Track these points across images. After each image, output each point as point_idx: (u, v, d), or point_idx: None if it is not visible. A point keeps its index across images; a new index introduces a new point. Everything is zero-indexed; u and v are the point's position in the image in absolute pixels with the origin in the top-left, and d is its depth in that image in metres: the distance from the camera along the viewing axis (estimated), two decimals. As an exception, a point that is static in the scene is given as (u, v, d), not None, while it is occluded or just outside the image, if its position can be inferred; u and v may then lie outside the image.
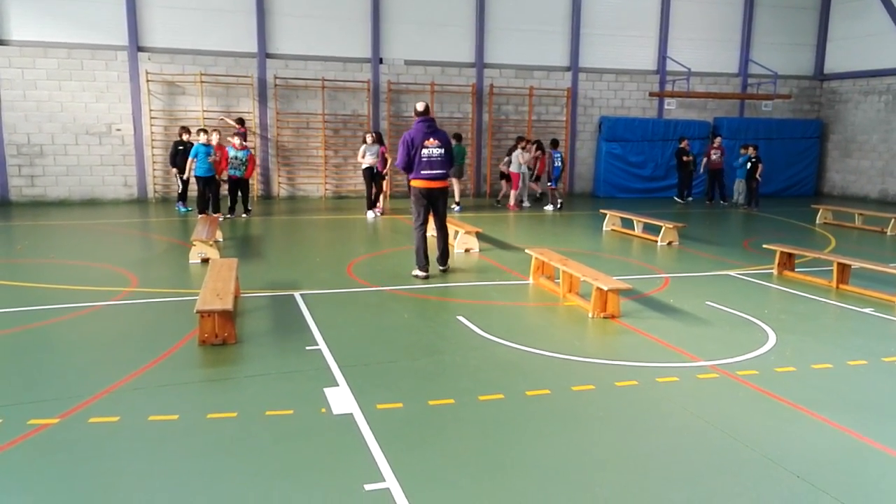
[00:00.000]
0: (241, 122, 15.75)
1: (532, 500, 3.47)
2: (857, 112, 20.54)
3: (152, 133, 16.50)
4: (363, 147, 14.45)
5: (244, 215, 13.80)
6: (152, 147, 16.53)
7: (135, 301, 7.25)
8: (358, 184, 17.89)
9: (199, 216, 12.66)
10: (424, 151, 8.25)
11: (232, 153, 13.41)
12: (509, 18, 18.59)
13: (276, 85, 17.13)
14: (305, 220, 14.04)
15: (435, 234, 8.90)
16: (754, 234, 13.15)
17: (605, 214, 13.31)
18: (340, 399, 4.65)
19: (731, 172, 18.04)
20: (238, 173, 13.48)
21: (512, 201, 16.16)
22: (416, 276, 8.52)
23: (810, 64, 21.44)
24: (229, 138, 13.97)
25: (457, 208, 15.40)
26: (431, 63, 18.23)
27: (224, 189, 13.94)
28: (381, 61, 17.86)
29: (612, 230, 12.98)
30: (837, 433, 4.31)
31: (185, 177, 13.76)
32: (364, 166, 14.42)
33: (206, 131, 13.42)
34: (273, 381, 4.99)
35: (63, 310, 6.79)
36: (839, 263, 8.34)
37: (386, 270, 9.12)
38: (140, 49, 16.14)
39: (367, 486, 3.54)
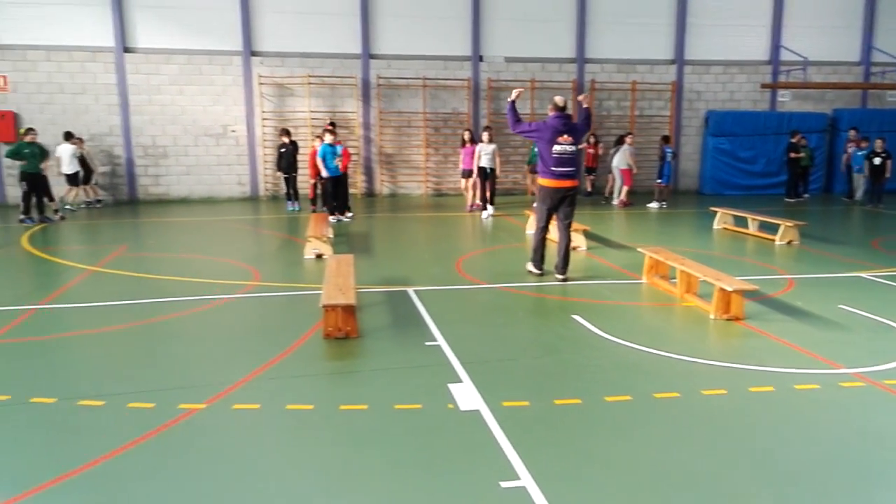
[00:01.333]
0: (332, 125, 15.99)
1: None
2: None
3: (263, 134, 17.24)
4: (479, 147, 14.36)
5: (349, 214, 13.85)
6: (263, 147, 17.27)
7: (260, 294, 7.60)
8: (458, 181, 18.03)
9: (312, 214, 13.16)
10: (556, 148, 7.87)
11: (329, 150, 13.22)
12: (611, 11, 18.20)
13: (378, 85, 17.50)
14: (408, 218, 14.28)
15: (556, 237, 8.46)
16: (883, 233, 12.30)
17: (716, 212, 12.79)
18: (466, 395, 4.69)
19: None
20: (335, 172, 13.21)
21: (623, 198, 15.93)
22: (530, 272, 8.43)
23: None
24: (326, 137, 13.55)
25: (484, 213, 15.28)
26: (531, 59, 18.11)
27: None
28: (481, 59, 17.91)
29: (724, 228, 12.46)
30: None
31: (322, 176, 13.48)
32: (480, 165, 14.30)
33: (332, 132, 13.43)
34: (398, 376, 5.10)
35: (199, 301, 7.21)
36: None
37: (495, 268, 9.14)
38: (253, 53, 16.89)
39: (503, 484, 3.55)
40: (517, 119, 8.13)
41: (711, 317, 6.60)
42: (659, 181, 15.98)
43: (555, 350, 5.76)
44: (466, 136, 15.02)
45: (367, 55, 17.37)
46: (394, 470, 3.74)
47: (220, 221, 13.57)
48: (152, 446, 4.01)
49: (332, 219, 12.79)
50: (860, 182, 16.05)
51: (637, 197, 16.72)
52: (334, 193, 13.39)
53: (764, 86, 18.80)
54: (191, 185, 17.21)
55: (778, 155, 18.40)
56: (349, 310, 5.90)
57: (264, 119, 17.19)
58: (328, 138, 13.20)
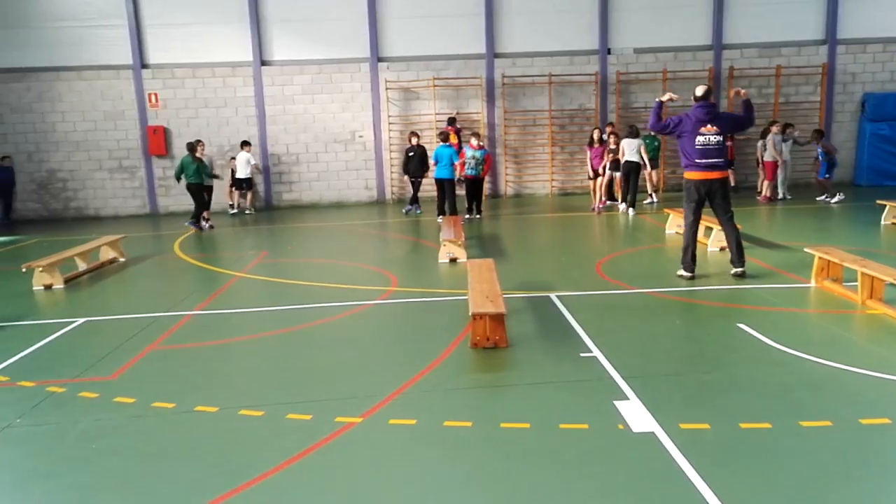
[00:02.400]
0: (452, 121, 15.91)
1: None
2: None
3: (390, 138, 17.44)
4: (624, 142, 13.85)
5: (477, 216, 13.83)
6: (389, 151, 17.48)
7: (399, 300, 7.52)
8: (585, 180, 17.43)
9: (440, 217, 13.10)
10: (700, 139, 7.53)
11: (469, 153, 13.41)
12: (752, -9, 16.93)
13: (503, 84, 17.23)
14: (538, 219, 13.91)
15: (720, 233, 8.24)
16: None
17: (884, 205, 11.48)
18: (636, 415, 4.29)
19: None
20: (474, 173, 13.48)
21: (767, 192, 14.75)
22: (681, 277, 7.92)
23: None
24: (472, 139, 13.76)
25: (647, 201, 14.83)
26: (663, 49, 17.18)
27: (461, 189, 14.19)
28: (608, 52, 17.21)
29: (893, 223, 11.17)
30: None
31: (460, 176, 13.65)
32: (626, 158, 13.82)
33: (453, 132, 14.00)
34: (557, 391, 4.78)
35: (342, 307, 7.23)
36: None
37: (638, 271, 8.61)
38: (380, 59, 17.13)
39: (700, 523, 3.14)
40: (659, 118, 7.78)
41: (906, 327, 5.79)
42: (826, 176, 14.45)
43: (726, 364, 5.22)
44: (596, 134, 14.52)
45: (492, 54, 17.15)
46: (571, 499, 3.42)
47: (350, 226, 13.81)
48: (315, 462, 3.92)
49: (438, 219, 13.22)
50: None
51: (798, 191, 15.47)
52: (446, 197, 13.34)
53: (933, 63, 16.82)
54: (321, 191, 17.70)
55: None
56: (498, 318, 5.64)
57: (390, 123, 17.39)
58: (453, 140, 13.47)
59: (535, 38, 17.17)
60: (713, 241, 9.66)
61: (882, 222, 11.28)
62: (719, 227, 9.60)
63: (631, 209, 13.63)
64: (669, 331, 6.13)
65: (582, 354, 5.47)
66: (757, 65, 17.18)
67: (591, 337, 5.87)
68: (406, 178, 15.40)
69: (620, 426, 4.17)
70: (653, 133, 7.94)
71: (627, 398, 4.56)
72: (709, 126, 7.53)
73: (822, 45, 17.12)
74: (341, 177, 17.70)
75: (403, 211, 15.11)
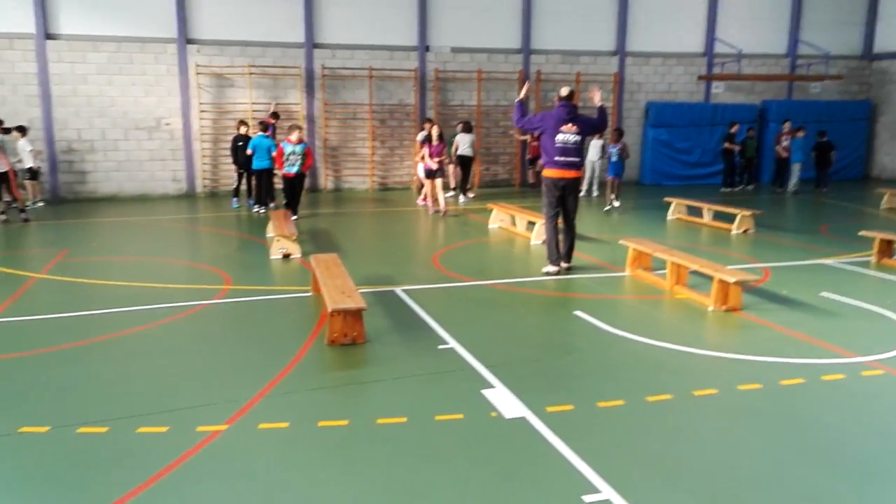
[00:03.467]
0: (276, 116, 15.31)
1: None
2: (909, 92, 20.08)
3: (201, 127, 16.34)
4: (457, 137, 14.45)
5: (294, 217, 12.48)
6: (201, 141, 16.39)
7: (238, 300, 7.10)
8: (404, 176, 17.76)
9: (259, 209, 12.78)
10: (560, 137, 7.82)
11: (289, 148, 12.18)
12: (555, 3, 18.25)
13: (323, 75, 16.91)
14: (364, 213, 13.87)
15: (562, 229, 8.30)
16: (825, 220, 12.85)
17: (670, 202, 13.02)
18: (505, 402, 4.47)
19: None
20: (295, 170, 12.27)
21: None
22: (548, 273, 8.08)
23: (859, 43, 20.96)
24: (291, 133, 12.39)
25: (462, 199, 15.34)
26: (478, 50, 17.93)
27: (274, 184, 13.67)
28: (427, 49, 17.60)
29: (678, 219, 12.71)
30: None
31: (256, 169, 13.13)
32: (460, 153, 14.58)
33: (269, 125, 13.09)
34: (425, 384, 4.83)
35: (173, 309, 6.65)
36: (950, 250, 8.07)
37: (474, 264, 8.94)
38: (189, 41, 15.96)
39: (586, 498, 3.37)
40: (523, 114, 8.10)
41: (710, 308, 6.64)
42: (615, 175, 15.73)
43: (573, 348, 5.62)
44: (435, 131, 13.12)
45: (311, 44, 16.75)
46: (463, 487, 3.48)
47: (163, 221, 12.75)
48: (185, 476, 3.59)
49: (255, 209, 13.26)
50: (797, 171, 16.68)
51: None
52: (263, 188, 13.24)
53: (700, 77, 19.37)
54: (121, 182, 16.11)
55: (712, 146, 19.01)
56: (357, 314, 5.56)
57: (202, 111, 16.30)
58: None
59: (355, 30, 17.05)
60: (536, 234, 10.31)
61: (668, 217, 12.78)
62: (543, 221, 10.30)
63: (462, 196, 14.70)
64: (516, 320, 6.45)
65: (440, 347, 5.57)
66: (561, 70, 18.58)
67: (444, 329, 5.99)
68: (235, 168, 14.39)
69: (493, 414, 4.32)
70: (516, 128, 8.31)
71: (493, 386, 4.73)
72: (569, 125, 7.85)
73: (614, 56, 18.96)
74: (145, 167, 16.25)
75: (235, 205, 14.18)
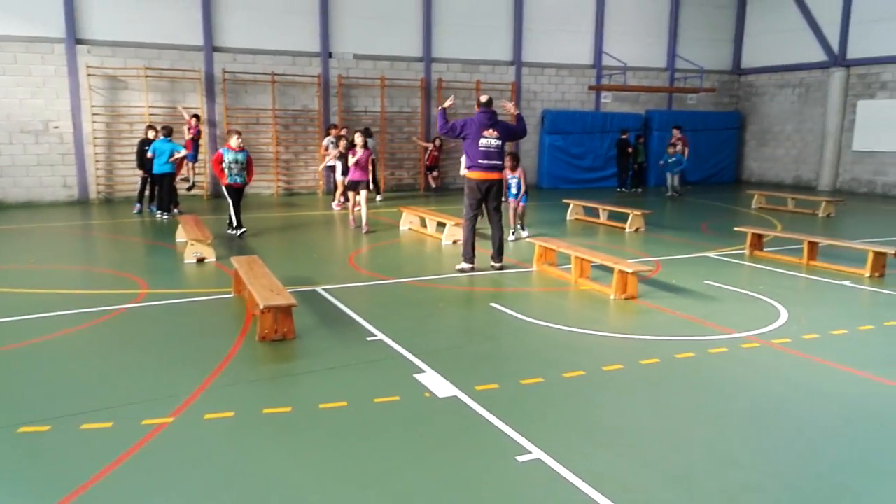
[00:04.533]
0: (197, 118, 15.17)
1: (671, 460, 3.83)
2: (772, 104, 22.23)
3: (94, 130, 15.72)
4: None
5: (243, 230, 11.22)
6: (94, 145, 15.75)
7: (158, 303, 7.08)
8: (310, 180, 17.81)
9: (163, 214, 12.65)
10: (482, 141, 8.21)
11: (230, 156, 10.76)
12: (456, 13, 18.89)
13: (224, 80, 16.69)
14: (273, 218, 13.84)
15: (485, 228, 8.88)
16: (704, 219, 14.08)
17: (569, 204, 13.87)
18: (436, 384, 4.84)
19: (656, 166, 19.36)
20: (240, 180, 10.91)
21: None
22: (462, 270, 8.46)
23: (729, 59, 22.97)
24: (231, 139, 10.99)
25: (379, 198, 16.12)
26: (380, 57, 18.28)
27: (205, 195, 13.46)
28: (330, 55, 17.75)
29: (577, 219, 13.57)
30: (884, 386, 4.92)
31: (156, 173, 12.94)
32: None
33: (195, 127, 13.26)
34: (359, 372, 5.11)
35: (93, 314, 6.56)
36: (809, 242, 9.20)
37: (389, 264, 9.25)
38: (78, 41, 15.34)
39: (519, 458, 3.78)
40: (446, 121, 8.43)
41: (612, 297, 7.29)
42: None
43: (492, 336, 6.07)
44: (359, 139, 11.72)
45: (211, 47, 16.50)
46: (406, 460, 3.81)
47: (59, 228, 12.22)
48: (136, 467, 3.71)
49: (159, 215, 13.13)
50: (672, 181, 17.68)
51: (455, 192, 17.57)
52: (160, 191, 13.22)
53: (590, 88, 20.60)
54: (5, 188, 15.22)
55: (604, 151, 20.29)
56: (287, 311, 5.76)
57: (94, 114, 15.67)
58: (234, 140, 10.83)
59: (256, 35, 16.95)
60: (446, 235, 10.76)
61: (568, 218, 13.61)
62: (454, 223, 10.77)
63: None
64: (436, 313, 6.84)
65: (368, 339, 5.87)
66: (461, 78, 19.24)
67: (370, 323, 6.29)
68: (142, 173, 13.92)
69: (427, 394, 4.68)
70: (441, 135, 9.12)
71: (424, 371, 5.09)
72: (491, 130, 8.26)
73: (511, 66, 19.84)
74: (32, 172, 15.43)
75: (137, 210, 13.76)
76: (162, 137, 12.96)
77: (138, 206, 13.79)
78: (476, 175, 8.35)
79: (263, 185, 17.61)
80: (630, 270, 7.14)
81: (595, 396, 4.72)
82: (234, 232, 11.10)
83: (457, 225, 10.78)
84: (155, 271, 8.69)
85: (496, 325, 6.41)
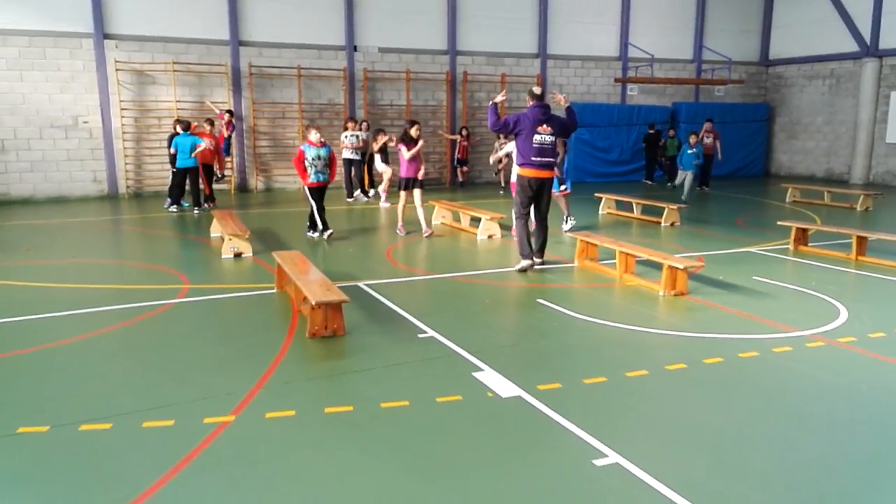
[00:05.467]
0: (230, 113, 15.01)
1: (756, 464, 3.69)
2: (801, 96, 21.84)
3: (122, 125, 15.73)
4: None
5: (330, 231, 10.38)
6: (123, 140, 15.77)
7: (202, 298, 7.01)
8: (336, 174, 17.60)
9: (172, 207, 12.70)
10: (536, 138, 7.80)
11: (312, 152, 9.89)
12: (480, 5, 18.70)
13: (250, 73, 16.64)
14: (300, 213, 13.72)
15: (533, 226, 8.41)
16: (738, 213, 13.83)
17: (601, 198, 13.69)
18: (497, 383, 4.72)
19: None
20: (323, 178, 10.07)
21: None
22: (522, 269, 8.09)
23: (757, 50, 22.60)
24: (310, 133, 10.17)
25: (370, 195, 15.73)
26: (405, 50, 18.14)
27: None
28: (355, 49, 17.64)
29: (609, 213, 13.38)
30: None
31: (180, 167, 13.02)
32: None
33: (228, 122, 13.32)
34: (416, 370, 5.01)
35: (139, 308, 6.51)
36: (858, 236, 8.97)
37: (428, 258, 9.16)
38: (106, 36, 15.33)
39: (597, 462, 3.66)
40: (497, 117, 8.00)
41: (660, 293, 7.13)
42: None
43: (545, 333, 5.94)
44: (415, 131, 10.54)
45: (237, 41, 16.44)
46: (480, 462, 3.70)
47: (92, 222, 12.23)
48: (206, 465, 3.62)
49: (170, 209, 13.17)
50: (686, 178, 14.93)
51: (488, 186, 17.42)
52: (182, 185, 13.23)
53: (617, 80, 20.34)
54: (35, 184, 15.28)
55: (630, 144, 20.04)
56: (337, 307, 5.66)
57: (123, 109, 15.68)
58: (314, 136, 10.05)
59: (282, 28, 16.87)
60: (482, 230, 10.63)
61: (600, 212, 13.43)
62: (488, 217, 10.64)
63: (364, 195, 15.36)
64: (483, 309, 6.71)
65: (420, 335, 5.76)
66: (486, 71, 19.06)
67: (418, 319, 6.18)
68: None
69: (489, 394, 4.56)
70: (493, 132, 8.64)
71: (482, 369, 4.97)
72: (545, 126, 7.82)
73: (536, 59, 19.63)
74: (62, 167, 15.47)
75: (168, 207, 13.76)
76: (182, 132, 12.94)
77: (168, 200, 13.75)
78: (529, 172, 8.00)
79: (288, 179, 17.55)
80: (681, 266, 6.98)
81: (663, 397, 4.58)
82: (316, 234, 10.30)
83: (491, 220, 10.66)
84: (194, 266, 8.64)
85: (547, 321, 6.28)
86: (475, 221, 10.92)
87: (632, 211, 13.04)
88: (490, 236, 10.61)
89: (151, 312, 6.42)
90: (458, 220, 11.72)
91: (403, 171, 10.57)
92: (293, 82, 17.09)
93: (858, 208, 14.22)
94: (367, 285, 7.46)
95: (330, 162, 10.09)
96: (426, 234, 10.49)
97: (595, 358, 5.31)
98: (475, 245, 10.21)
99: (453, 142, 18.25)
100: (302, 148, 10.01)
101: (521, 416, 4.24)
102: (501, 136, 15.18)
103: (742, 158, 21.85)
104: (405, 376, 4.88)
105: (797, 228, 9.72)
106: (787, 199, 15.59)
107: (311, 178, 9.98)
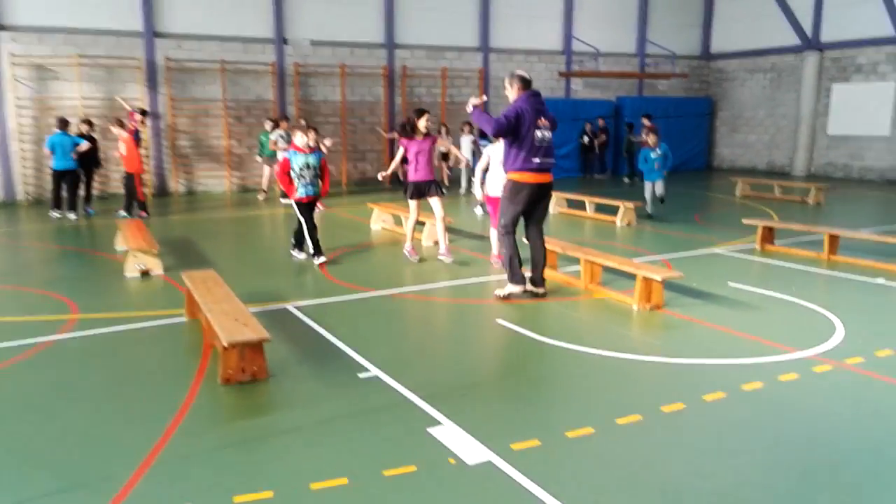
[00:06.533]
0: (144, 112, 13.44)
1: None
2: (743, 90, 21.67)
3: (20, 125, 14.04)
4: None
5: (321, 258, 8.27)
6: (20, 141, 14.08)
7: (91, 332, 5.74)
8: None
9: (121, 220, 10.95)
10: (537, 134, 6.23)
11: (299, 160, 7.98)
12: (418, -4, 17.71)
13: (167, 67, 15.15)
14: (227, 219, 12.46)
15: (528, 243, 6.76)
16: (694, 209, 13.25)
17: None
18: (460, 443, 3.73)
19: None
20: (313, 191, 8.14)
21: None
22: (510, 295, 6.51)
23: (699, 44, 22.33)
24: (295, 136, 8.18)
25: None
26: (340, 44, 16.96)
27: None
28: (285, 41, 16.35)
29: (560, 212, 12.60)
30: None
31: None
32: None
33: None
34: (358, 427, 3.96)
35: (6, 351, 5.21)
36: (830, 235, 8.38)
37: (367, 271, 8.08)
38: (0, 27, 13.62)
39: (604, 567, 2.71)
40: (490, 117, 6.26)
41: (635, 308, 6.29)
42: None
43: (511, 365, 4.99)
44: (423, 123, 8.12)
45: (152, 33, 14.94)
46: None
47: (-22, 237, 10.65)
48: None
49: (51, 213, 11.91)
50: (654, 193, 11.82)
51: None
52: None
53: (561, 74, 19.67)
54: (-82, 192, 13.48)
55: (575, 139, 19.40)
56: (257, 346, 4.56)
57: (20, 107, 14.00)
58: (297, 137, 8.11)
59: (203, 19, 15.46)
60: (427, 235, 9.63)
61: (551, 210, 12.56)
62: (433, 222, 9.62)
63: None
64: (437, 334, 5.74)
65: (361, 375, 4.71)
66: (426, 65, 18.05)
67: (359, 353, 5.13)
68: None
69: (452, 460, 3.56)
70: (499, 138, 6.38)
71: (440, 423, 3.97)
72: (542, 119, 6.29)
73: (478, 52, 18.73)
74: (-51, 173, 13.70)
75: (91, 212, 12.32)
76: (58, 131, 11.60)
77: (82, 208, 12.24)
78: (529, 178, 6.33)
79: (214, 182, 16.16)
80: (659, 278, 6.14)
81: (667, 452, 3.68)
82: (302, 255, 8.49)
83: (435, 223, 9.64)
84: (89, 289, 7.32)
85: (511, 349, 5.33)
86: (419, 226, 9.89)
87: (585, 209, 12.28)
88: (436, 242, 9.59)
89: (16, 357, 5.14)
90: (400, 224, 10.67)
91: (412, 174, 8.26)
92: (216, 77, 15.69)
93: (810, 202, 13.87)
94: (297, 307, 6.35)
95: (322, 170, 8.23)
96: (444, 257, 8.21)
97: (575, 399, 4.38)
98: (422, 254, 9.20)
99: (391, 140, 17.16)
100: (286, 155, 8.14)
101: (495, 494, 3.25)
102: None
103: (685, 152, 21.46)
104: (343, 438, 3.83)
105: (764, 227, 9.09)
106: (738, 193, 15.17)
107: (300, 192, 8.05)
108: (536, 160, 6.29)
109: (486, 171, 7.97)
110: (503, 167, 6.53)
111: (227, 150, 16.07)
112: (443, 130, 15.39)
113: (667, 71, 20.93)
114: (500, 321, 5.94)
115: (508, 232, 6.58)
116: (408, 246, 8.61)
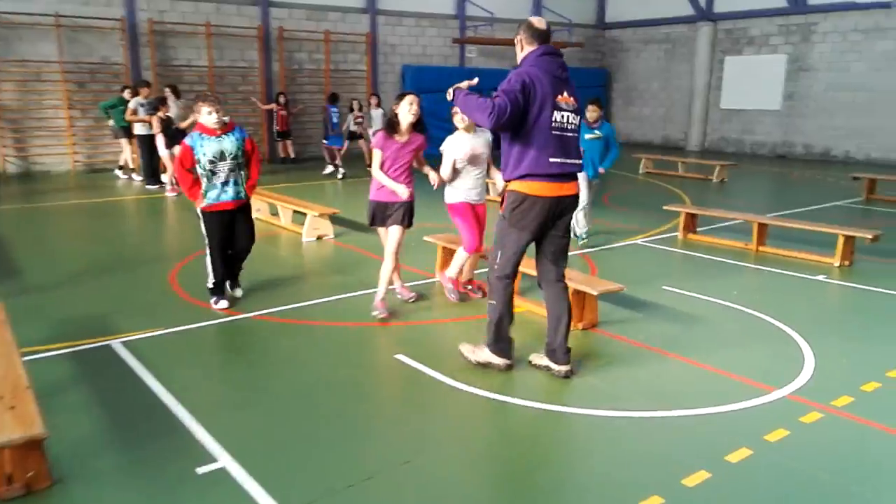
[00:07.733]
0: None
1: None
2: (637, 61, 21.22)
3: None
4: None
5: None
6: None
7: None
8: (117, 152, 13.89)
9: None
10: (557, 117, 3.99)
11: (209, 147, 5.22)
12: (294, -53, 15.73)
13: (-15, 22, 12.50)
14: (62, 207, 10.29)
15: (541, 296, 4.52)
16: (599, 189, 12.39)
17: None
18: None
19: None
20: (232, 194, 5.37)
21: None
22: (489, 366, 4.34)
23: (594, 13, 21.63)
24: (198, 113, 5.34)
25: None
26: (204, -1, 14.76)
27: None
28: (136, -7, 13.98)
29: (459, 195, 11.33)
30: None
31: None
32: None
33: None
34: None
35: None
36: (759, 224, 7.61)
37: (231, 281, 6.45)
38: None
39: None
40: (482, 99, 3.98)
41: (565, 328, 5.10)
42: (330, 143, 13.55)
43: (417, 439, 3.63)
44: (406, 111, 5.59)
45: (-39, -23, 12.22)
46: None
47: None
48: None
49: None
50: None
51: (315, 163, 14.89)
52: None
53: (454, 41, 18.33)
54: None
55: (472, 112, 18.18)
56: (33, 445, 2.97)
57: None
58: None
59: (28, -38, 12.85)
60: (308, 230, 8.10)
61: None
62: (316, 214, 8.10)
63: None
64: (317, 380, 4.28)
65: (200, 469, 3.22)
66: (306, 27, 16.16)
67: (202, 422, 3.63)
68: None
69: None
70: (502, 126, 3.90)
71: (314, 564, 2.58)
72: (565, 94, 4.05)
73: (364, 14, 17.02)
74: None
75: None
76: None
77: None
78: (543, 189, 4.04)
79: (54, 160, 13.71)
80: (595, 292, 4.97)
81: None
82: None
83: (321, 216, 8.13)
84: None
85: (413, 405, 4.00)
86: (301, 217, 8.34)
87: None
88: (319, 237, 8.12)
89: None
90: (275, 213, 9.04)
91: (373, 190, 5.47)
92: (50, 34, 13.16)
93: (714, 179, 13.42)
94: (124, 343, 4.72)
95: (247, 160, 5.48)
96: (403, 296, 5.86)
97: (506, 496, 3.11)
98: (299, 252, 7.69)
99: (270, 112, 15.24)
100: (187, 142, 5.23)
101: None
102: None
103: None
104: None
105: (687, 214, 8.23)
106: (641, 171, 14.54)
107: (210, 197, 5.29)
108: (556, 159, 4.02)
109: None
110: (501, 172, 4.24)
111: (69, 122, 13.62)
112: (355, 105, 13.71)
113: (563, 40, 20.06)
114: (399, 356, 4.59)
115: (503, 276, 4.23)
116: (379, 296, 5.45)
